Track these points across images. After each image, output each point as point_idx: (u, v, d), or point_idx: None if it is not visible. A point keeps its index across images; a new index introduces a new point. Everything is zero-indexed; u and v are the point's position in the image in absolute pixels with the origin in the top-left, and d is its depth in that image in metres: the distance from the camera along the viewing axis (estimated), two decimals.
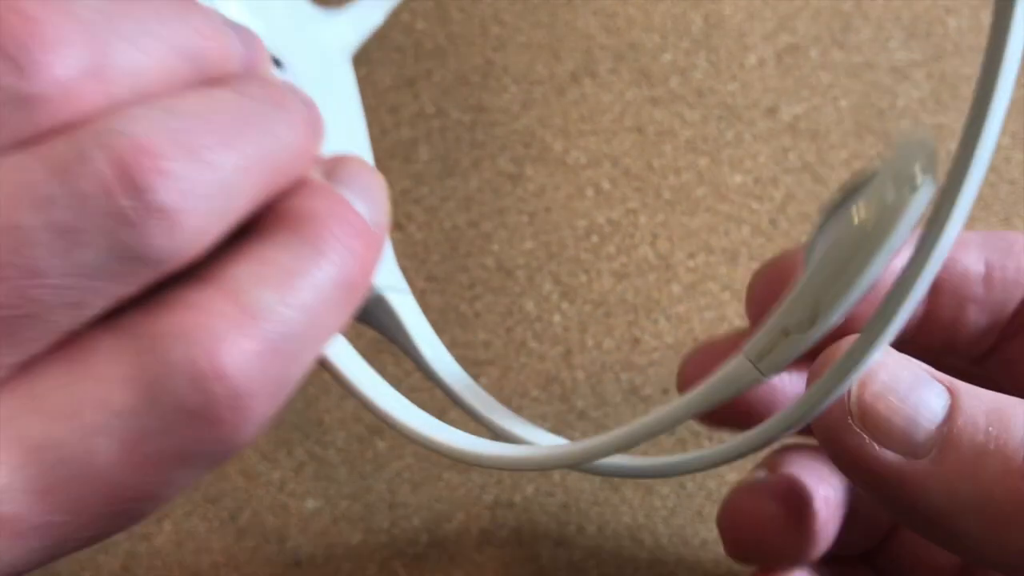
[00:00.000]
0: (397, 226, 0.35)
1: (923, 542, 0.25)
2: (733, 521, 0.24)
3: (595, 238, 0.34)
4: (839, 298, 0.17)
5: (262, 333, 0.17)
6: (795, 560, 0.23)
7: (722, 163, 0.36)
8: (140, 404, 0.16)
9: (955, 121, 0.36)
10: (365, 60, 0.38)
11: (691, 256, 0.34)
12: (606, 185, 0.35)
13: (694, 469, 0.22)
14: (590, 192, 0.35)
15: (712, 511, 0.31)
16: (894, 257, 0.16)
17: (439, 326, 0.33)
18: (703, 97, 0.37)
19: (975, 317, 0.24)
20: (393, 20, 0.38)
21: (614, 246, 0.34)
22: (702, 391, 0.20)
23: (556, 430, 0.32)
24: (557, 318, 0.33)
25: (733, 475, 0.31)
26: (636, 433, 0.21)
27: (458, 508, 0.31)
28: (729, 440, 0.21)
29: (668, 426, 0.20)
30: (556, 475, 0.31)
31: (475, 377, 0.32)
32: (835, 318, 0.18)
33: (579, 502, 0.31)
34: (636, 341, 0.33)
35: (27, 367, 0.16)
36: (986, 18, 0.38)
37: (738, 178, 0.35)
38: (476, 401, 0.23)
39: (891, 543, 0.26)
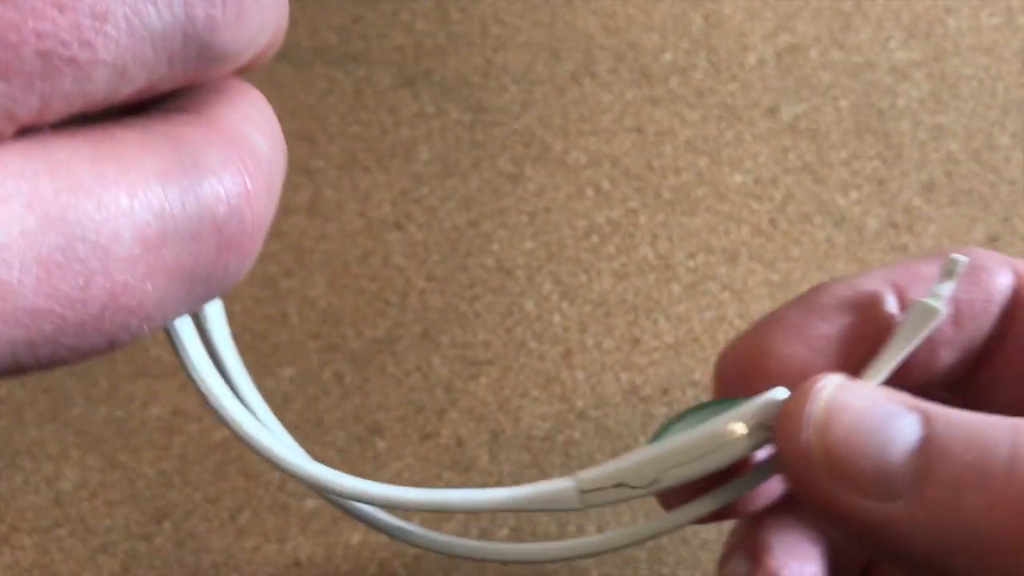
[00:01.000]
0: (397, 226, 0.35)
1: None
2: None
3: (595, 238, 0.34)
4: (679, 479, 0.20)
5: (266, 174, 0.16)
6: None
7: (722, 163, 0.36)
8: (169, 203, 0.15)
9: (955, 121, 0.36)
10: (365, 60, 0.38)
11: (691, 256, 0.34)
12: (606, 185, 0.35)
13: (633, 543, 0.22)
14: (590, 192, 0.35)
15: None
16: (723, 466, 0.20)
17: (439, 326, 0.33)
18: (703, 97, 0.37)
19: (948, 356, 0.23)
20: (393, 20, 0.38)
21: (614, 246, 0.34)
22: (527, 494, 0.21)
23: (556, 430, 0.32)
24: (557, 318, 0.33)
25: None
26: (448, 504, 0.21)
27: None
28: (668, 515, 0.22)
29: (486, 511, 0.22)
30: (556, 475, 0.31)
31: (475, 377, 0.32)
32: (669, 488, 0.20)
33: None
34: (636, 341, 0.33)
35: (40, 136, 0.15)
36: (986, 18, 0.38)
37: (738, 178, 0.35)
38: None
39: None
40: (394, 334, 0.33)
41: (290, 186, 0.36)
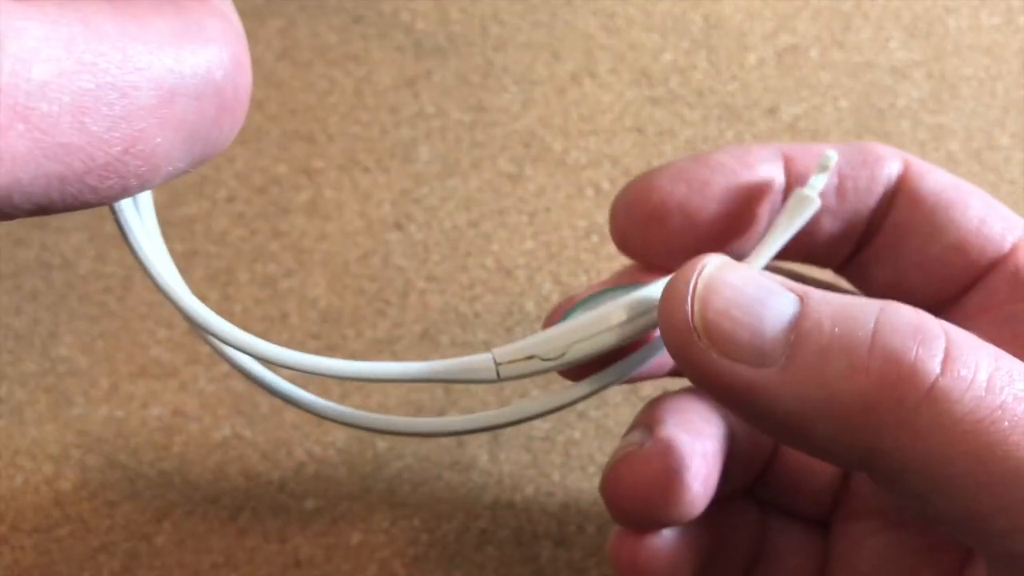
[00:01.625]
0: (397, 226, 0.35)
1: (798, 467, 0.26)
2: (615, 492, 0.24)
3: (595, 238, 0.34)
4: (583, 354, 0.22)
5: (247, 49, 0.18)
6: (681, 518, 0.24)
7: None
8: (180, 62, 0.17)
9: (955, 121, 0.36)
10: (365, 60, 0.38)
11: None
12: (606, 185, 0.35)
13: (533, 416, 0.23)
14: (590, 192, 0.35)
15: None
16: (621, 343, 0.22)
17: (439, 326, 0.33)
18: (703, 97, 0.37)
19: (829, 226, 0.24)
20: (393, 20, 0.38)
21: (614, 246, 0.34)
22: (446, 366, 0.23)
23: (556, 430, 0.32)
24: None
25: None
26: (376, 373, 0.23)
27: (458, 508, 0.31)
28: (561, 390, 0.23)
29: (406, 382, 0.24)
30: (556, 475, 0.31)
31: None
32: (575, 362, 0.22)
33: (579, 502, 0.31)
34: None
35: None
36: (986, 18, 0.38)
37: None
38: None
39: (768, 473, 0.27)
40: (394, 334, 0.33)
41: (290, 186, 0.36)
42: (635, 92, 0.37)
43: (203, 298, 0.34)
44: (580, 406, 0.32)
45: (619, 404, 0.32)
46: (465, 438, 0.32)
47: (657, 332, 0.23)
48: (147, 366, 0.33)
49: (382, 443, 0.32)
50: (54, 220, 0.36)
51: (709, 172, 0.24)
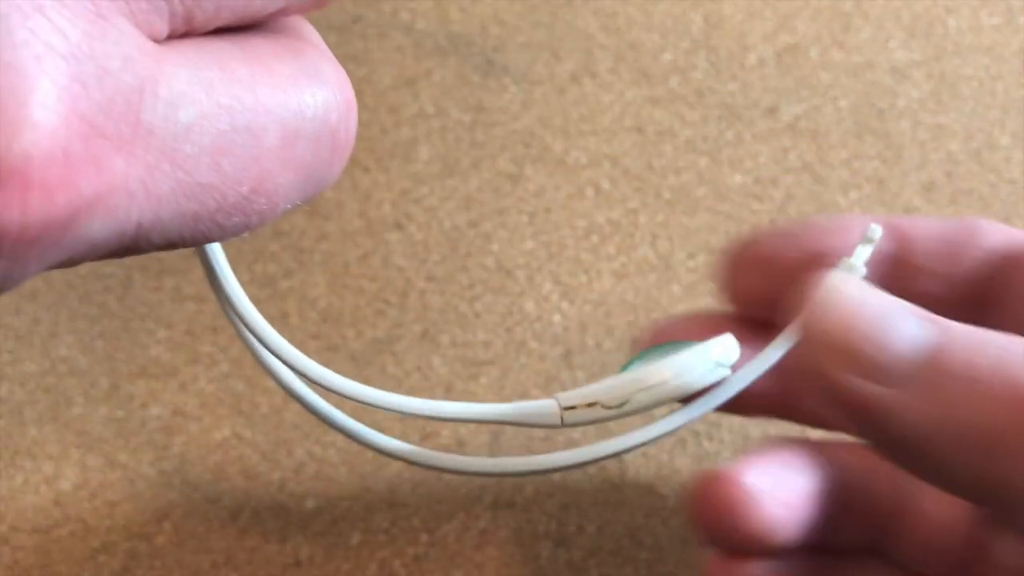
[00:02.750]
0: (397, 226, 0.35)
1: (932, 528, 0.25)
2: (695, 506, 0.24)
3: (595, 238, 0.34)
4: (644, 404, 0.23)
5: (352, 92, 0.19)
6: (761, 542, 0.24)
7: (722, 163, 0.36)
8: (303, 105, 0.17)
9: (955, 121, 0.36)
10: (365, 60, 0.38)
11: (691, 256, 0.34)
12: (606, 185, 0.35)
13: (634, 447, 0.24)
14: (590, 192, 0.35)
15: None
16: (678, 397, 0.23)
17: (439, 326, 0.33)
18: (703, 97, 0.37)
19: (936, 290, 0.25)
20: (393, 20, 0.38)
21: (614, 246, 0.34)
22: (511, 409, 0.23)
23: (556, 430, 0.32)
24: (557, 318, 0.33)
25: None
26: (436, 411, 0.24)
27: (458, 508, 0.31)
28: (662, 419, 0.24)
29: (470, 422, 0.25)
30: (556, 475, 0.31)
31: (475, 377, 0.32)
32: (637, 411, 0.23)
33: (579, 502, 0.31)
34: (636, 341, 0.33)
35: (202, 38, 0.17)
36: (986, 18, 0.38)
37: (738, 178, 0.35)
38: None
39: (901, 534, 0.26)
40: (394, 334, 0.33)
41: None
42: (635, 92, 0.37)
43: (203, 299, 0.34)
44: None
45: None
46: (464, 437, 0.32)
47: (720, 375, 0.23)
48: (147, 366, 0.33)
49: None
50: None
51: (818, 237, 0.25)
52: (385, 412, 0.23)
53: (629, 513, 0.31)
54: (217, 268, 0.22)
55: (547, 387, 0.32)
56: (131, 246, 0.17)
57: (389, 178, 0.36)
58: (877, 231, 0.23)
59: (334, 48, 0.21)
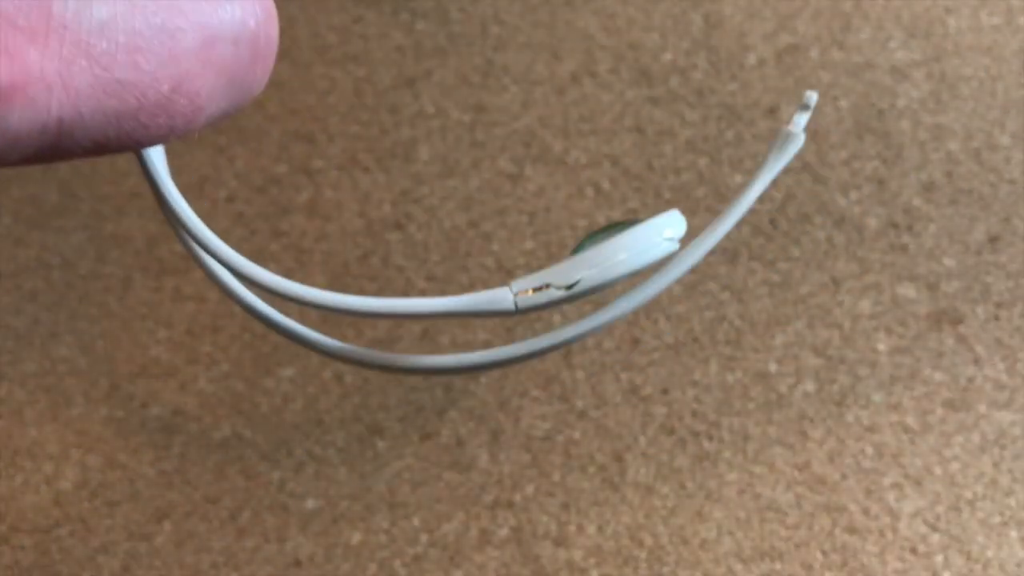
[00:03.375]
0: (397, 226, 0.35)
1: None
2: None
3: None
4: (595, 283, 0.23)
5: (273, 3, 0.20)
6: None
7: (722, 163, 0.36)
8: (218, 10, 0.19)
9: (955, 121, 0.36)
10: (365, 60, 0.38)
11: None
12: (606, 185, 0.35)
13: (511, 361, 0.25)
14: (590, 192, 0.35)
15: (712, 511, 0.31)
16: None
17: (439, 326, 0.33)
18: (703, 97, 0.37)
19: None
20: (393, 20, 0.38)
21: None
22: (465, 300, 0.24)
23: (556, 430, 0.32)
24: (557, 318, 0.33)
25: (733, 475, 0.31)
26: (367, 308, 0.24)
27: (458, 508, 0.31)
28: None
29: (423, 318, 0.25)
30: (556, 475, 0.31)
31: (475, 377, 0.32)
32: (586, 292, 0.23)
33: (579, 502, 0.31)
34: (636, 341, 0.33)
35: None
36: (986, 18, 0.38)
37: (738, 178, 0.35)
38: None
39: None
40: (394, 334, 0.33)
41: (290, 186, 0.36)
42: (635, 92, 0.37)
43: (203, 299, 0.34)
44: (580, 405, 0.32)
45: (619, 404, 0.32)
46: (464, 437, 0.32)
47: (669, 249, 0.24)
48: (147, 366, 0.33)
49: (382, 443, 0.32)
50: (54, 220, 0.36)
51: None
52: (339, 313, 0.23)
53: (629, 513, 0.31)
54: (157, 176, 0.22)
55: (547, 387, 0.32)
56: (56, 144, 0.17)
57: (389, 178, 0.36)
58: (813, 96, 0.24)
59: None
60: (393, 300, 0.23)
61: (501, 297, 0.23)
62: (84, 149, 0.18)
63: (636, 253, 0.23)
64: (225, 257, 0.22)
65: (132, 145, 0.19)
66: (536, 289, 0.23)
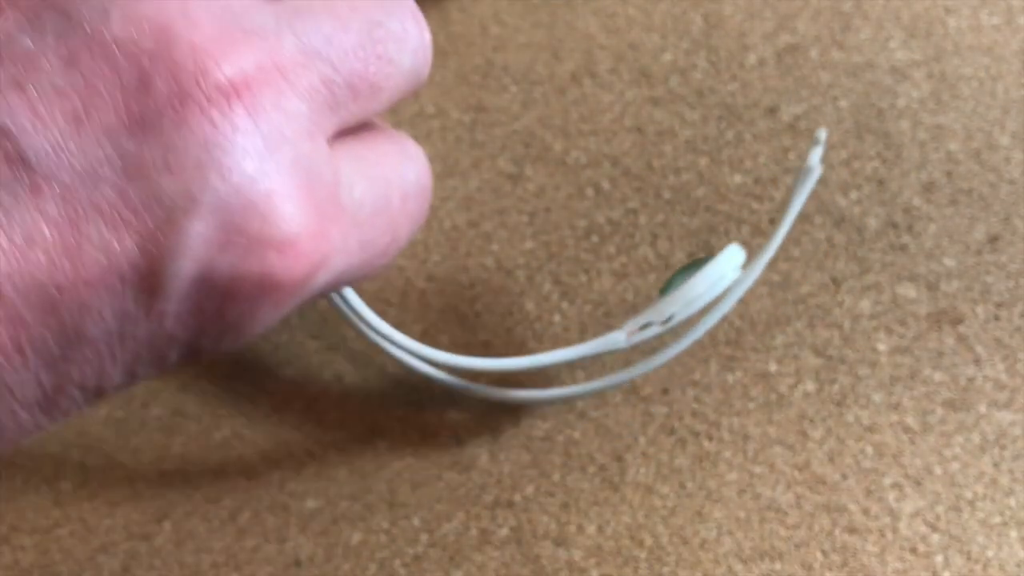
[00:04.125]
0: None
1: None
2: None
3: (595, 238, 0.34)
4: (687, 315, 0.29)
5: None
6: None
7: (722, 163, 0.36)
8: (406, 174, 0.24)
9: (955, 121, 0.36)
10: None
11: (691, 256, 0.34)
12: (606, 185, 0.35)
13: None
14: (590, 192, 0.35)
15: (712, 511, 0.31)
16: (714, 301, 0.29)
17: (439, 326, 0.33)
18: (703, 97, 0.37)
19: None
20: None
21: (614, 246, 0.34)
22: (589, 347, 0.30)
23: (556, 430, 0.32)
24: (557, 318, 0.33)
25: (733, 475, 0.31)
26: (536, 363, 0.30)
27: (458, 508, 0.31)
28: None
29: (554, 365, 0.30)
30: (556, 475, 0.31)
31: (475, 378, 0.32)
32: (678, 322, 0.29)
33: (579, 502, 0.31)
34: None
35: (340, 137, 0.22)
36: (986, 18, 0.38)
37: (738, 178, 0.35)
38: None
39: None
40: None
41: None
42: (635, 92, 0.37)
43: None
44: (580, 405, 0.32)
45: (619, 404, 0.32)
46: (464, 437, 0.32)
47: (735, 277, 0.29)
48: None
49: (382, 443, 0.32)
50: None
51: None
52: (467, 372, 0.30)
53: (629, 513, 0.31)
54: (350, 298, 0.29)
55: (547, 387, 0.32)
56: (325, 292, 0.23)
57: None
58: (823, 133, 0.30)
59: None
60: (529, 358, 0.30)
61: (616, 339, 0.29)
62: (334, 289, 0.24)
63: (711, 286, 0.28)
64: (401, 343, 0.30)
65: (362, 281, 0.25)
66: (641, 328, 0.29)
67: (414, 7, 0.24)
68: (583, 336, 0.33)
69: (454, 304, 0.34)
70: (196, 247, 0.19)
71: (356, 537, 0.31)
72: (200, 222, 0.19)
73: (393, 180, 0.24)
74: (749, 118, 0.36)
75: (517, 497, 0.31)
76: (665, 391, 0.32)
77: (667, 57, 0.37)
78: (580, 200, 0.35)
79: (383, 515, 0.31)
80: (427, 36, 0.25)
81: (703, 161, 0.36)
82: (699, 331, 0.30)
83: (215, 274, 0.20)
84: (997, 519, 0.30)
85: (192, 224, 0.19)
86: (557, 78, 0.37)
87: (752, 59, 0.37)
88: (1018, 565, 0.30)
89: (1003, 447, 0.31)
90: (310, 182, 0.21)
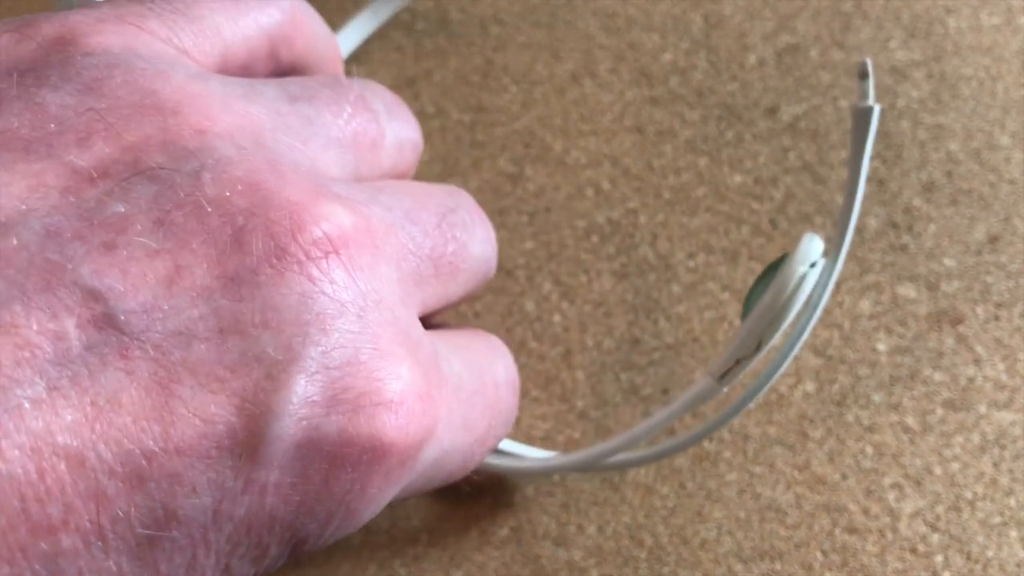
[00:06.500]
0: None
1: None
2: None
3: (595, 238, 0.34)
4: (772, 335, 0.25)
5: None
6: None
7: (722, 163, 0.36)
8: (497, 368, 0.25)
9: (955, 121, 0.36)
10: (365, 60, 0.38)
11: (691, 256, 0.34)
12: (606, 185, 0.35)
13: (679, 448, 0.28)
14: (590, 192, 0.35)
15: (712, 511, 0.31)
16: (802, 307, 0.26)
17: None
18: (703, 97, 0.37)
19: None
20: (393, 20, 0.38)
21: (614, 246, 0.34)
22: (681, 404, 0.27)
23: (556, 430, 0.32)
24: (557, 318, 0.33)
25: (733, 475, 0.31)
26: (632, 437, 0.28)
27: (458, 508, 0.31)
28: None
29: (655, 433, 0.28)
30: (556, 475, 0.31)
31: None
32: (770, 344, 0.26)
33: (579, 502, 0.31)
34: (636, 341, 0.33)
35: (428, 326, 0.23)
36: (986, 18, 0.38)
37: (738, 178, 0.35)
38: None
39: None
40: None
41: None
42: (635, 92, 0.37)
43: None
44: (580, 405, 0.32)
45: (619, 404, 0.32)
46: None
47: (817, 268, 0.26)
48: None
49: None
50: None
51: None
52: (576, 470, 0.29)
53: (629, 513, 0.31)
54: None
55: (547, 387, 0.32)
56: (428, 482, 0.23)
57: None
58: (869, 62, 0.26)
59: None
60: (629, 433, 0.28)
61: (708, 388, 0.26)
62: (435, 483, 0.24)
63: (797, 289, 0.25)
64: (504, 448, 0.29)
65: (460, 475, 0.25)
66: (734, 365, 0.26)
67: (475, 203, 0.25)
68: (583, 336, 0.33)
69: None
70: (300, 406, 0.17)
71: (356, 537, 0.31)
72: (303, 378, 0.18)
73: (485, 367, 0.24)
74: (749, 118, 0.36)
75: (517, 497, 0.31)
76: (665, 391, 0.32)
77: (667, 57, 0.37)
78: (580, 200, 0.35)
79: (383, 515, 0.31)
80: (492, 232, 0.25)
81: (703, 161, 0.36)
82: (801, 338, 0.26)
83: (321, 436, 0.18)
84: (997, 519, 0.30)
85: (295, 381, 0.17)
86: (557, 78, 0.37)
87: (752, 59, 0.37)
88: (1018, 565, 0.30)
89: (1003, 447, 0.31)
90: (411, 344, 0.20)
